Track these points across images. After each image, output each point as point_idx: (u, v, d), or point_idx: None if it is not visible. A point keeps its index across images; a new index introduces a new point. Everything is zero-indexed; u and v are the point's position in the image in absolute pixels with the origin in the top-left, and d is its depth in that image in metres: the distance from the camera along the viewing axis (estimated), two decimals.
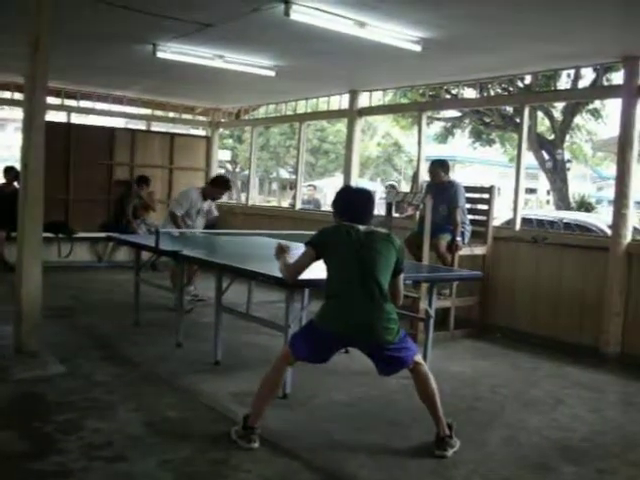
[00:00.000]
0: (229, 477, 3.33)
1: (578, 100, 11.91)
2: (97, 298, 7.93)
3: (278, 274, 4.10)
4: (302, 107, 10.61)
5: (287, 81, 8.50)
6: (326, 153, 27.79)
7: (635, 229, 6.79)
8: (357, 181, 9.46)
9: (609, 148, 12.32)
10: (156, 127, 13.36)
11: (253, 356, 5.53)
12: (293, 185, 14.13)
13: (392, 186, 14.71)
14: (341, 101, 9.67)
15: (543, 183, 24.53)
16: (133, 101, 11.41)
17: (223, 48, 7.07)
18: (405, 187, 22.24)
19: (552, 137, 15.43)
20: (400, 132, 26.10)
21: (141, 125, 13.40)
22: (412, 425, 4.12)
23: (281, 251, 4.09)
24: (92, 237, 10.35)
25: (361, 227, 3.80)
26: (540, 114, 15.04)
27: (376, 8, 5.25)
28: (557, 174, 15.33)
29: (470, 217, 7.13)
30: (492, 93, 8.32)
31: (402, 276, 3.95)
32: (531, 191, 27.64)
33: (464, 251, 6.92)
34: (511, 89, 9.09)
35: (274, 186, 36.73)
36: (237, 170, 29.09)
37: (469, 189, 7.33)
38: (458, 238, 6.78)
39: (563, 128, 15.23)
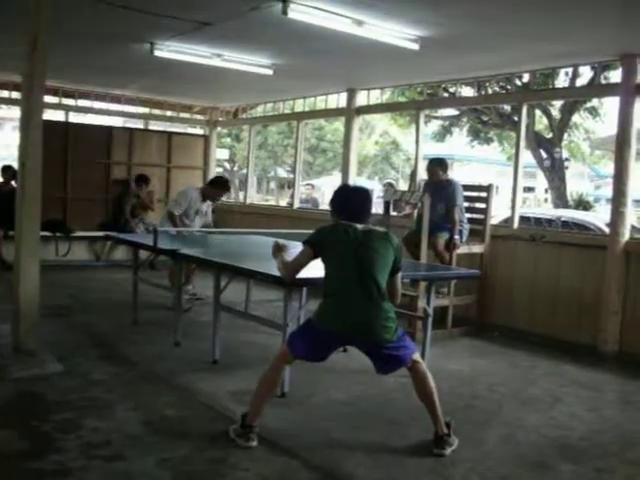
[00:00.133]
0: (227, 476, 3.33)
1: (576, 98, 11.91)
2: (95, 297, 7.92)
3: (276, 273, 4.10)
4: (300, 106, 10.60)
5: (285, 80, 8.49)
6: (324, 152, 27.77)
7: (633, 227, 6.80)
8: (355, 180, 9.46)
9: (607, 146, 12.34)
10: (154, 126, 13.34)
11: (251, 355, 5.53)
12: (291, 184, 14.12)
13: (390, 184, 14.74)
14: (339, 100, 9.67)
15: (541, 181, 24.55)
16: (131, 100, 11.39)
17: (221, 47, 7.06)
18: (403, 186, 22.24)
19: (550, 135, 15.44)
20: (398, 130, 26.11)
21: (139, 124, 13.38)
22: (410, 424, 4.13)
23: (278, 250, 4.09)
24: (90, 236, 10.34)
25: (359, 226, 3.80)
26: (538, 112, 15.06)
27: (374, 6, 5.25)
28: (555, 172, 15.34)
29: (468, 215, 7.13)
30: (490, 91, 8.31)
31: (400, 275, 3.95)
32: (529, 189, 27.64)
33: (462, 249, 6.92)
34: (509, 87, 9.09)
35: (272, 185, 36.72)
36: (235, 169, 29.05)
37: (467, 187, 7.33)
38: (456, 237, 6.78)
39: (561, 126, 15.24)
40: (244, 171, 18.96)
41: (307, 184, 18.07)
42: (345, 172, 9.36)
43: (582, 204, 16.35)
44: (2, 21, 6.31)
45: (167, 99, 11.60)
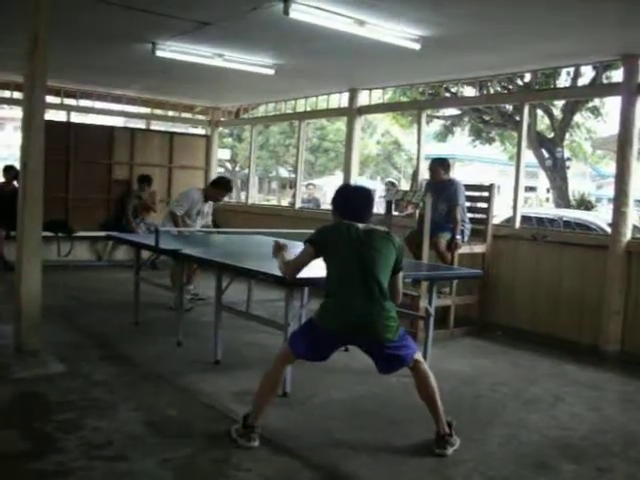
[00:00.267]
0: (229, 476, 3.33)
1: (578, 98, 11.90)
2: (97, 297, 7.93)
3: (278, 273, 4.10)
4: (302, 105, 10.59)
5: (286, 79, 8.49)
6: (326, 152, 27.76)
7: (635, 227, 6.79)
8: (357, 179, 9.46)
9: (609, 146, 12.29)
10: (155, 126, 13.35)
11: (253, 355, 5.54)
12: (293, 184, 14.12)
13: (392, 183, 14.66)
14: (341, 99, 9.66)
15: (543, 181, 24.53)
16: (132, 100, 11.40)
17: (222, 47, 7.06)
18: (405, 185, 22.24)
19: (552, 135, 15.44)
20: (400, 130, 26.09)
21: (140, 124, 13.40)
22: (412, 423, 4.12)
23: (279, 249, 4.10)
24: (92, 236, 10.35)
25: (361, 225, 3.79)
26: (540, 112, 15.05)
27: (375, 6, 5.25)
28: (557, 172, 15.33)
29: (470, 215, 7.13)
30: (492, 91, 8.29)
31: (401, 274, 3.95)
32: (531, 189, 27.62)
33: (464, 249, 6.92)
34: (511, 87, 9.07)
35: (274, 185, 36.73)
36: (237, 169, 29.08)
37: (469, 187, 7.33)
38: (458, 236, 6.78)
39: (563, 126, 15.23)
40: (246, 171, 18.98)
41: (309, 184, 18.01)
42: (347, 172, 9.37)
43: (584, 204, 16.34)
44: (2, 21, 6.32)
45: (169, 99, 11.60)
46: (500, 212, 10.27)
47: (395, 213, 7.27)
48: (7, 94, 10.50)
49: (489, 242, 7.14)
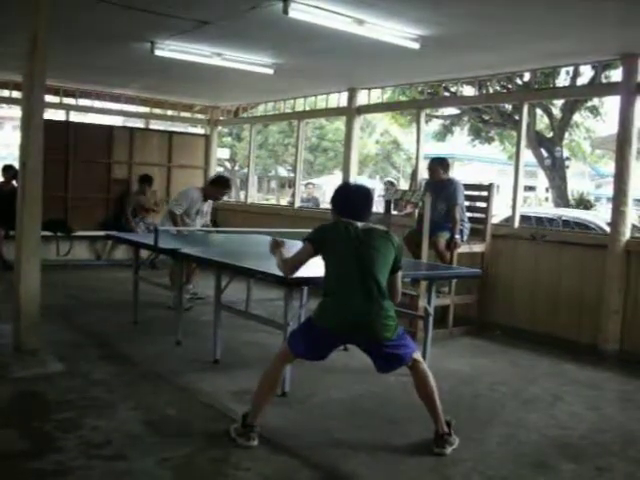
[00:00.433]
0: (228, 475, 3.33)
1: (577, 97, 11.90)
2: (96, 296, 7.92)
3: (277, 272, 4.10)
4: (301, 105, 10.59)
5: (286, 79, 8.49)
6: (325, 151, 27.75)
7: (634, 226, 6.79)
8: (356, 179, 9.46)
9: (608, 145, 12.30)
10: (155, 125, 13.33)
11: (252, 354, 5.53)
12: (292, 183, 14.12)
13: (391, 182, 14.69)
14: (340, 99, 9.66)
15: (542, 181, 24.54)
16: (131, 99, 11.39)
17: (222, 46, 7.06)
18: (404, 185, 22.24)
19: (551, 135, 15.43)
20: (399, 130, 26.09)
21: (140, 123, 13.39)
22: (411, 422, 4.12)
23: (276, 246, 4.09)
24: (91, 235, 10.35)
25: (360, 224, 3.79)
26: (539, 112, 15.04)
27: (375, 6, 5.25)
28: (556, 171, 15.33)
29: (469, 215, 7.13)
30: (491, 90, 8.27)
31: (400, 273, 3.94)
32: (530, 189, 27.62)
33: (463, 249, 6.92)
34: (510, 86, 9.07)
35: (273, 184, 36.72)
36: (236, 168, 29.06)
37: (468, 187, 7.33)
38: (457, 236, 6.78)
39: (562, 126, 15.23)
40: (245, 170, 18.96)
41: (308, 183, 18.04)
42: (346, 171, 9.36)
43: (583, 203, 16.35)
44: (2, 21, 6.31)
45: (168, 98, 11.59)
46: (499, 211, 10.28)
47: (394, 212, 7.27)
48: (6, 93, 10.49)
49: (488, 241, 7.14)
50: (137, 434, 3.76)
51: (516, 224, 7.32)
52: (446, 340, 6.52)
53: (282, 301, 4.59)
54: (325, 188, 23.47)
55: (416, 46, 6.14)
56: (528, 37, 5.89)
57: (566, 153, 17.10)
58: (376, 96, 9.23)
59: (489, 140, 18.53)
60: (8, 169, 9.71)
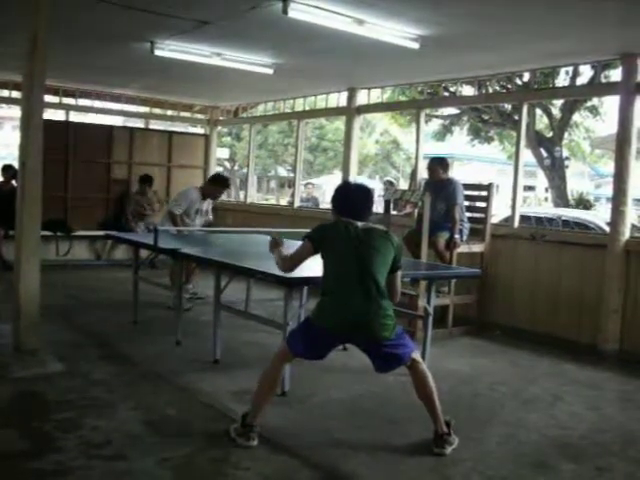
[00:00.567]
0: (228, 475, 3.33)
1: (576, 97, 11.89)
2: (95, 296, 7.92)
3: (277, 272, 4.10)
4: (300, 105, 10.59)
5: (285, 79, 8.49)
6: (324, 151, 27.73)
7: (633, 226, 6.80)
8: (356, 178, 9.45)
9: (607, 145, 12.30)
10: (154, 125, 13.33)
11: (252, 354, 5.53)
12: (291, 183, 14.10)
13: (390, 182, 14.65)
14: (339, 99, 9.66)
15: (541, 180, 24.52)
16: (131, 99, 11.39)
17: (221, 46, 7.06)
18: (404, 185, 22.24)
19: (550, 134, 15.43)
20: (398, 130, 26.08)
21: (139, 123, 13.38)
22: (411, 422, 4.12)
23: (275, 244, 4.09)
24: (90, 235, 10.35)
25: (359, 224, 3.79)
26: (538, 111, 15.04)
27: (375, 6, 5.25)
28: (555, 171, 15.33)
29: (468, 214, 7.13)
30: (490, 90, 8.27)
31: (400, 273, 3.94)
32: (529, 188, 27.62)
33: (462, 249, 6.92)
34: (509, 86, 9.07)
35: (272, 184, 36.70)
36: (235, 168, 29.04)
37: (467, 187, 7.33)
38: (456, 236, 6.78)
39: (561, 125, 15.23)
40: (244, 170, 18.96)
41: (307, 183, 18.02)
42: (346, 171, 9.37)
43: (582, 203, 16.34)
44: (2, 21, 6.31)
45: (167, 98, 11.60)
46: (499, 211, 10.28)
47: (394, 212, 7.27)
48: (6, 93, 10.49)
49: (488, 241, 7.14)
50: (137, 434, 3.76)
51: (516, 224, 7.32)
52: (446, 340, 6.52)
53: (282, 301, 4.59)
54: (325, 188, 23.47)
55: (416, 46, 6.14)
56: (528, 37, 5.89)
57: (566, 153, 17.10)
58: (376, 96, 9.24)
59: (488, 140, 18.53)
60: (8, 169, 9.70)
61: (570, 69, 9.72)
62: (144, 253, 7.13)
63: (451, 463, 3.61)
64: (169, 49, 7.11)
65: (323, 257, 3.80)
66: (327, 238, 3.79)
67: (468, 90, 9.02)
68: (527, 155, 12.44)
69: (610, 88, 7.32)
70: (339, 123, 23.09)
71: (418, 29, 5.84)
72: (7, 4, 5.63)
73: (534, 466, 3.65)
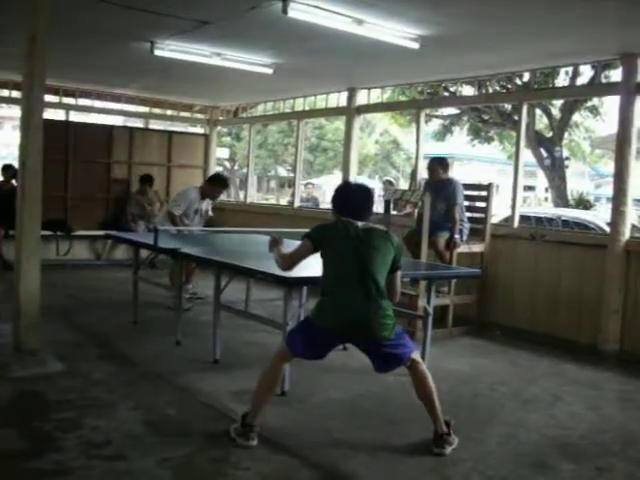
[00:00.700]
0: (228, 475, 3.33)
1: (576, 97, 11.89)
2: (96, 296, 7.92)
3: (277, 271, 4.10)
4: (300, 105, 10.59)
5: (285, 79, 8.49)
6: (324, 151, 27.72)
7: (633, 226, 6.80)
8: (356, 178, 9.45)
9: (607, 145, 12.31)
10: (154, 125, 13.33)
11: (252, 354, 5.53)
12: (291, 183, 14.11)
13: (389, 182, 14.68)
14: (339, 99, 9.66)
15: (541, 180, 24.52)
16: (131, 99, 11.40)
17: (221, 46, 7.06)
18: (404, 185, 22.24)
19: (550, 134, 15.43)
20: (398, 130, 26.07)
21: (139, 123, 13.39)
22: (410, 422, 4.12)
23: (275, 244, 4.09)
24: (91, 235, 10.35)
25: (360, 223, 3.79)
26: (538, 111, 15.04)
27: (374, 6, 5.25)
28: (555, 171, 15.33)
29: (468, 214, 7.13)
30: (490, 90, 8.27)
31: (399, 273, 3.94)
32: (529, 188, 27.61)
33: (462, 249, 6.92)
34: (509, 86, 9.08)
35: (272, 184, 36.70)
36: (235, 168, 29.04)
37: (467, 187, 7.33)
38: (456, 236, 6.78)
39: (561, 125, 15.23)
40: (244, 170, 18.95)
41: (307, 183, 18.03)
42: (346, 171, 9.36)
43: (582, 203, 16.34)
44: (2, 21, 6.31)
45: (167, 98, 11.59)
46: (499, 211, 10.28)
47: (394, 212, 7.27)
48: (5, 93, 10.49)
49: (488, 241, 7.14)
50: (137, 434, 3.76)
51: (515, 224, 7.32)
52: (445, 340, 6.52)
53: (281, 301, 4.59)
54: (325, 188, 23.47)
55: (416, 46, 6.14)
56: (528, 37, 5.89)
57: (566, 153, 17.10)
58: (376, 96, 9.23)
59: (488, 140, 18.53)
60: (8, 168, 9.70)
61: (570, 69, 9.72)
62: (144, 253, 7.12)
63: (451, 463, 3.61)
64: (169, 49, 7.11)
65: (323, 257, 3.80)
66: (327, 238, 3.79)
67: (468, 90, 9.02)
68: (527, 155, 12.43)
69: (610, 88, 7.32)
70: (339, 123, 23.09)
71: (418, 29, 5.84)
72: (7, 4, 5.63)
73: (534, 466, 3.65)
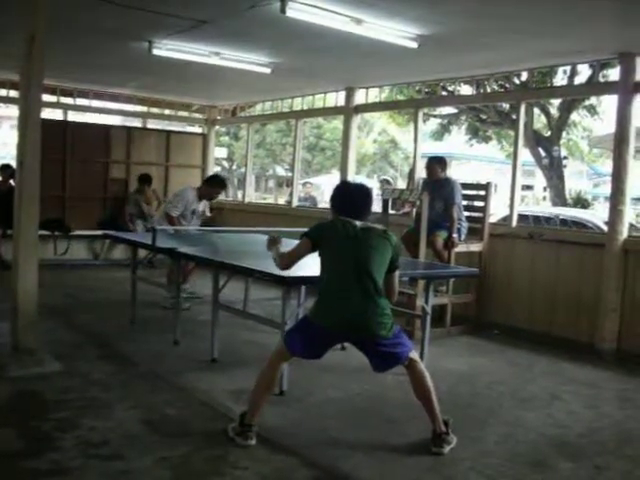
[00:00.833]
0: (226, 474, 3.33)
1: (574, 97, 11.91)
2: (94, 296, 7.92)
3: (275, 271, 4.10)
4: (298, 104, 10.59)
5: (283, 78, 8.49)
6: (322, 150, 27.71)
7: (631, 225, 6.80)
8: (354, 178, 9.45)
9: (605, 144, 12.32)
10: (152, 124, 13.32)
11: (250, 353, 5.53)
12: (289, 182, 14.11)
13: (386, 181, 14.65)
14: (337, 98, 9.66)
15: (539, 180, 24.54)
16: (129, 99, 11.40)
17: (219, 45, 7.05)
18: (402, 184, 22.24)
19: (548, 134, 15.44)
20: (396, 129, 26.07)
21: (137, 122, 13.38)
22: (409, 422, 4.13)
23: (273, 242, 4.09)
24: (89, 235, 10.34)
25: (358, 223, 3.79)
26: (536, 111, 15.05)
27: (373, 5, 5.24)
28: (553, 171, 15.34)
29: (466, 214, 7.13)
30: (488, 90, 8.26)
31: (397, 273, 3.94)
32: (527, 188, 27.61)
33: (460, 248, 6.92)
34: (507, 86, 9.08)
35: (270, 183, 36.66)
36: (233, 167, 29.02)
37: (466, 186, 7.34)
38: (454, 235, 6.78)
39: (559, 125, 15.25)
40: (242, 169, 18.95)
41: (305, 182, 18.03)
42: (344, 170, 9.36)
43: (580, 202, 16.36)
44: (1, 21, 6.29)
45: (165, 98, 11.59)
46: (497, 210, 10.30)
47: (392, 212, 7.27)
48: (3, 92, 10.45)
49: (486, 241, 7.14)
50: (135, 433, 3.76)
51: (514, 223, 7.32)
52: (444, 339, 6.52)
53: (280, 300, 4.59)
54: (323, 187, 23.44)
55: (414, 45, 6.14)
56: (526, 36, 5.89)
57: (564, 152, 17.13)
58: (374, 95, 9.24)
59: (487, 139, 18.54)
60: (5, 168, 9.69)
61: (568, 68, 9.74)
62: (142, 253, 7.12)
63: (449, 462, 3.61)
64: (167, 48, 7.11)
65: (321, 256, 3.80)
66: (325, 237, 3.79)
67: (466, 89, 9.03)
68: (525, 154, 12.44)
69: (608, 87, 7.33)
70: (337, 122, 23.08)
71: (416, 28, 5.83)
72: (6, 4, 5.62)
73: (532, 465, 3.66)
